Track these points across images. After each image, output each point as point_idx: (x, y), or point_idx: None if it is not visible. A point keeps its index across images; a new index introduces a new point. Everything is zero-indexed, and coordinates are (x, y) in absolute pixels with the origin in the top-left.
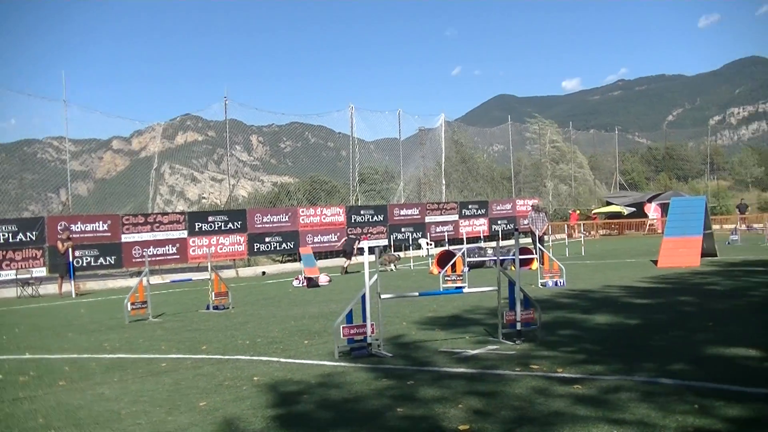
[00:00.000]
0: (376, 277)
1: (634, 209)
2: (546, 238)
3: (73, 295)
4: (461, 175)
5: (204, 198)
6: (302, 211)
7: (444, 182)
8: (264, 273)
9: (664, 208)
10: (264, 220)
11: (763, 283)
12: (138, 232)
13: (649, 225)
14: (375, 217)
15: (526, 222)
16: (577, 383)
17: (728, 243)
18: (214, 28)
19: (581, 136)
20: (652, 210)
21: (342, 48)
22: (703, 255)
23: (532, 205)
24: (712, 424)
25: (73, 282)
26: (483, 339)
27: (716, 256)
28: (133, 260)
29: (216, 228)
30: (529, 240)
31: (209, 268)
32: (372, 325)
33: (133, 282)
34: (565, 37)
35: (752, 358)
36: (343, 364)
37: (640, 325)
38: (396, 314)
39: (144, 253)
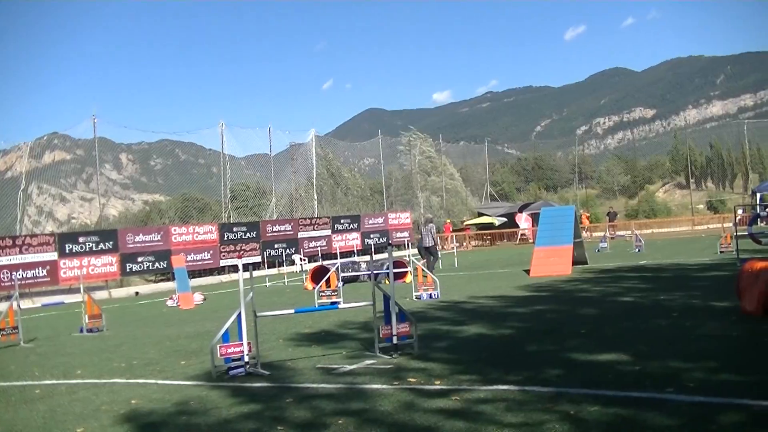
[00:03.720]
0: (251, 294)
1: (505, 220)
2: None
3: None
4: (333, 189)
5: (74, 218)
6: (174, 230)
7: (316, 197)
8: (137, 293)
9: (535, 218)
10: (136, 240)
11: (632, 288)
12: (6, 255)
13: (521, 235)
14: (248, 234)
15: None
16: (454, 394)
17: (598, 250)
18: (80, 45)
19: (451, 148)
20: (523, 220)
21: (211, 64)
22: (574, 263)
23: (424, 219)
24: (586, 429)
25: None
26: (360, 354)
27: (587, 263)
28: (2, 284)
29: (87, 249)
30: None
31: (81, 290)
32: (249, 343)
33: (2, 307)
34: (435, 50)
35: (623, 363)
36: (220, 384)
37: (514, 334)
38: (272, 332)
39: (13, 277)
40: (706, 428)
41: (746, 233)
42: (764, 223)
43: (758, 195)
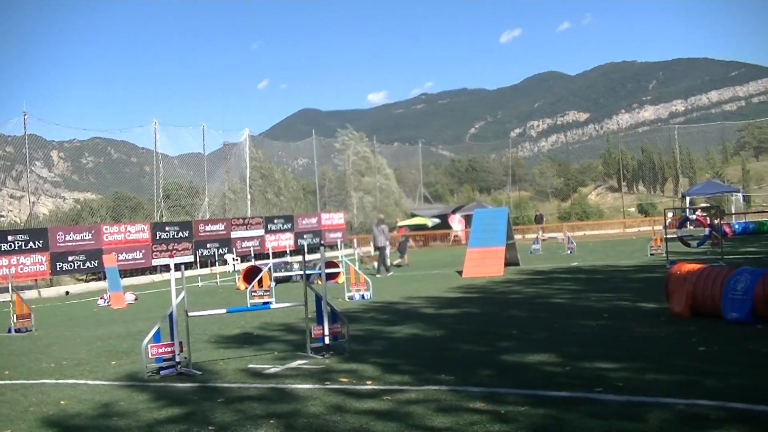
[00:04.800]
0: (183, 294)
1: (438, 221)
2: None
3: None
4: (266, 190)
5: (2, 216)
6: (106, 229)
7: (249, 197)
8: (68, 293)
9: (468, 220)
10: (66, 239)
11: (563, 290)
12: None
13: (454, 236)
14: (180, 234)
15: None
16: (386, 395)
17: (530, 252)
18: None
19: (385, 150)
20: (456, 221)
21: (145, 61)
22: (506, 264)
23: (377, 219)
24: (516, 429)
25: None
26: (291, 354)
27: (519, 265)
28: None
29: (16, 247)
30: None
31: (9, 290)
32: (180, 343)
33: None
34: (371, 51)
35: (554, 363)
36: (151, 384)
37: (446, 334)
38: (204, 332)
39: None
40: (633, 427)
41: (676, 236)
42: (693, 226)
43: (688, 199)
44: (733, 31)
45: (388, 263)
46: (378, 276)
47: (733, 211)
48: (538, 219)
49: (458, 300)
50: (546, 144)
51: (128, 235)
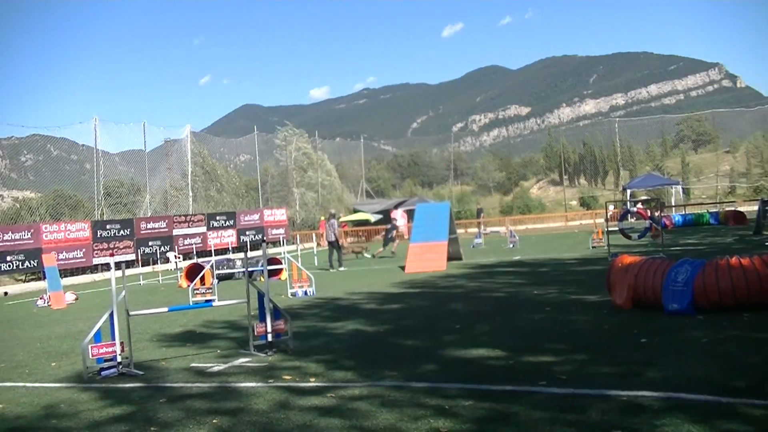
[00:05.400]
0: (124, 293)
1: (381, 216)
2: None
3: None
4: (208, 186)
5: None
6: (45, 228)
7: (191, 194)
8: (6, 293)
9: (411, 215)
10: (5, 238)
11: (506, 283)
12: None
13: (397, 232)
14: (122, 232)
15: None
16: (330, 392)
17: (473, 246)
18: None
19: (327, 145)
20: (399, 216)
21: (86, 57)
22: (449, 259)
23: (328, 215)
24: (461, 424)
25: None
26: (234, 352)
27: (462, 259)
28: None
29: None
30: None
31: None
32: (122, 343)
33: None
34: (314, 46)
35: (497, 357)
36: (92, 385)
37: (390, 330)
38: (146, 331)
39: None
40: (577, 419)
41: (617, 229)
42: (634, 219)
43: (628, 191)
44: (672, 26)
45: (342, 258)
46: (331, 270)
47: (673, 204)
48: (478, 213)
49: (401, 295)
50: (488, 138)
51: (68, 234)
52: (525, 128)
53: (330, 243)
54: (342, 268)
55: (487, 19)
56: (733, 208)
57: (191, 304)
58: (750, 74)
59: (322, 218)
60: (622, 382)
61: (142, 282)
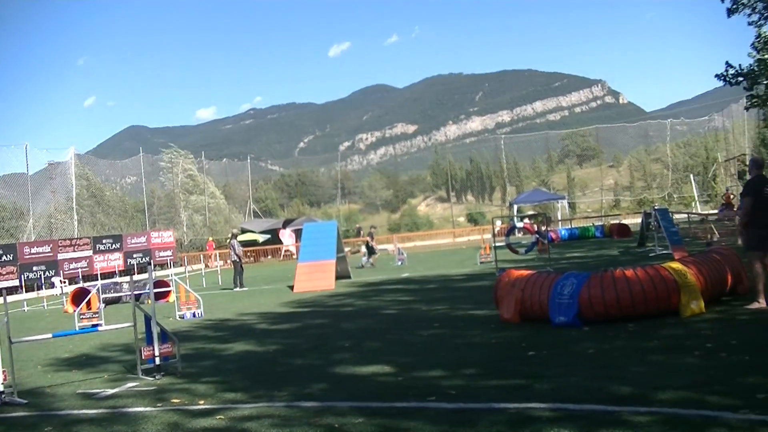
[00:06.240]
0: (6, 320)
1: (269, 236)
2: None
3: None
4: (93, 209)
5: None
6: None
7: (76, 217)
8: None
9: (299, 234)
10: None
11: (395, 300)
12: None
13: (285, 251)
14: (4, 257)
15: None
16: (219, 413)
17: (361, 265)
18: None
19: (214, 166)
20: (287, 236)
21: None
22: (337, 278)
23: (231, 234)
24: None
25: None
26: (122, 377)
27: (350, 278)
28: None
29: None
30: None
31: None
32: (4, 372)
33: None
34: (200, 66)
35: (387, 374)
36: None
37: (280, 350)
38: (30, 358)
39: None
40: None
41: (504, 244)
42: (521, 233)
43: (515, 207)
44: (556, 43)
45: (242, 279)
46: (235, 290)
47: (560, 218)
48: (359, 231)
49: (291, 315)
50: (375, 156)
51: None
52: (412, 146)
53: (233, 263)
54: (243, 288)
55: (374, 37)
56: (617, 221)
57: (77, 329)
58: (631, 91)
59: (210, 239)
60: (511, 394)
61: (26, 308)
